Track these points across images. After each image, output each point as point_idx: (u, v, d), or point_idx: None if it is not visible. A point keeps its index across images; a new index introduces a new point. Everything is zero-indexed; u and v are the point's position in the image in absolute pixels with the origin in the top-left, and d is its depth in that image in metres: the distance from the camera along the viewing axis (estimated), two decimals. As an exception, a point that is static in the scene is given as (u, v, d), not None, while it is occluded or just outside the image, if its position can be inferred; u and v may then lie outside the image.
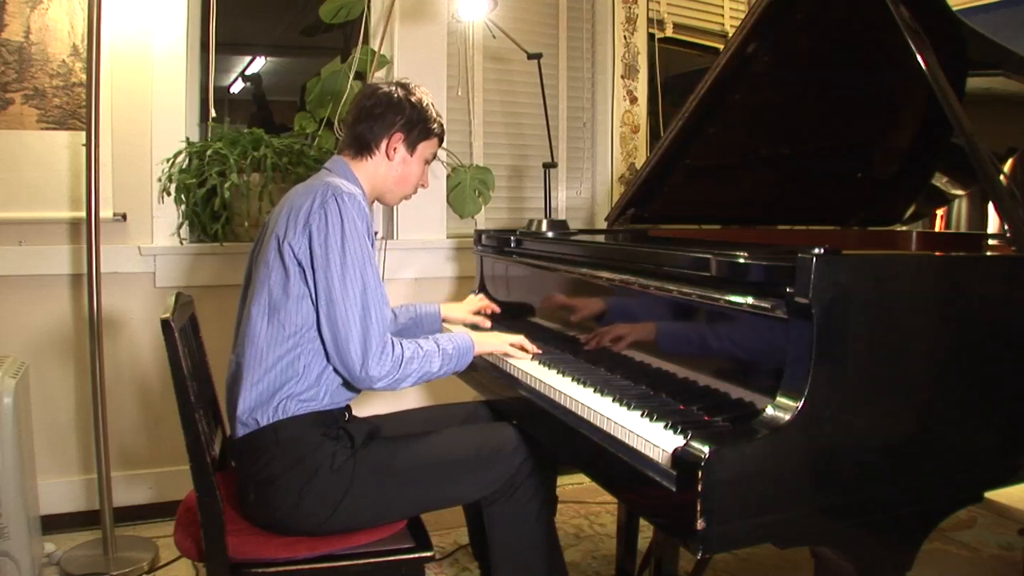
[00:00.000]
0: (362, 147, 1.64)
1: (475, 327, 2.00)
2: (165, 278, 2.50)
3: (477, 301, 2.04)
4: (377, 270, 1.50)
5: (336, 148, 2.63)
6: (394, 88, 1.64)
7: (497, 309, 2.05)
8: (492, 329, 1.96)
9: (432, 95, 1.71)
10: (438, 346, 1.54)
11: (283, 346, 1.46)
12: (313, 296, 1.46)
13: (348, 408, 1.62)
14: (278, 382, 1.46)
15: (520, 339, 1.72)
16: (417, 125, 1.65)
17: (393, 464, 1.50)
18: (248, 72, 3.34)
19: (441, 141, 1.74)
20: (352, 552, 1.44)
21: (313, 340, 1.48)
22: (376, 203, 1.75)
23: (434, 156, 1.75)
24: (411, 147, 1.66)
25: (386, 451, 1.52)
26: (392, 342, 1.47)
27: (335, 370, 1.50)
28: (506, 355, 1.72)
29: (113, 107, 2.39)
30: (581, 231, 2.40)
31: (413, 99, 1.64)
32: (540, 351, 1.73)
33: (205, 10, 2.61)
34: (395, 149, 1.64)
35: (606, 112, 3.25)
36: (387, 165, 1.65)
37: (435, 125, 1.68)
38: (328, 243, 1.44)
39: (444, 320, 2.01)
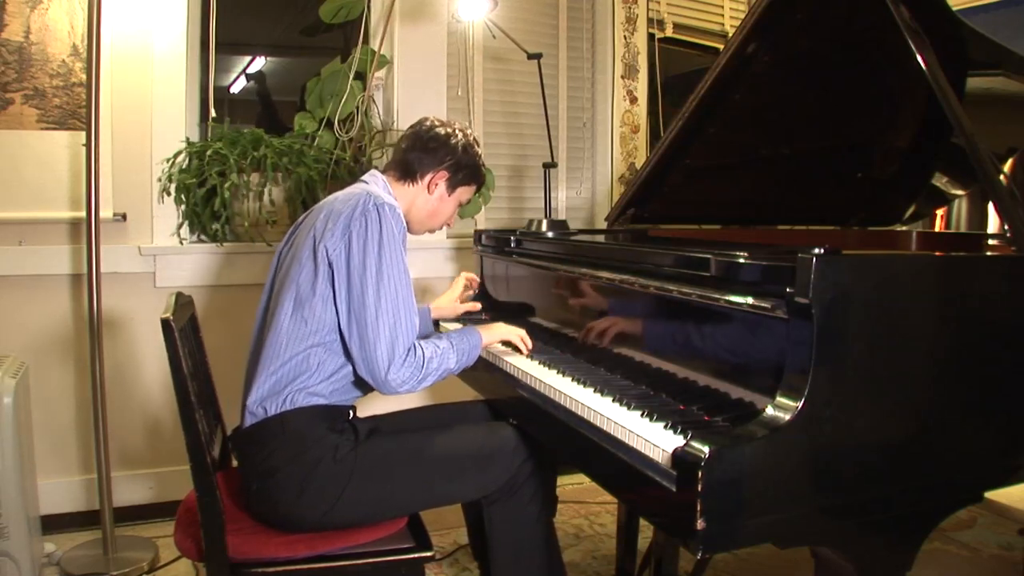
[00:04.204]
0: (407, 173, 1.70)
1: (468, 318, 2.04)
2: (165, 278, 2.50)
3: (461, 282, 2.08)
4: (410, 279, 1.53)
5: (340, 150, 2.64)
6: (454, 131, 1.70)
7: (476, 280, 2.13)
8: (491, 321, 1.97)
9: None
10: (452, 343, 1.56)
11: (303, 342, 1.49)
12: (341, 299, 1.47)
13: (353, 407, 1.63)
14: (292, 375, 1.49)
15: (521, 332, 1.73)
16: (463, 169, 1.71)
17: (394, 459, 1.51)
18: (250, 71, 3.33)
19: (479, 189, 1.81)
20: (352, 551, 1.44)
21: (331, 339, 1.50)
22: None
23: (468, 201, 1.83)
24: (452, 187, 1.72)
25: (387, 447, 1.54)
26: (415, 346, 1.49)
27: (354, 371, 1.51)
28: (505, 349, 1.74)
29: (113, 107, 2.39)
30: (581, 231, 2.40)
31: (467, 145, 1.71)
32: (533, 348, 1.73)
33: (205, 10, 2.61)
34: (436, 184, 1.70)
35: (606, 112, 3.25)
36: (425, 197, 1.71)
37: (479, 174, 1.76)
38: (366, 250, 1.46)
39: (438, 320, 2.03)
